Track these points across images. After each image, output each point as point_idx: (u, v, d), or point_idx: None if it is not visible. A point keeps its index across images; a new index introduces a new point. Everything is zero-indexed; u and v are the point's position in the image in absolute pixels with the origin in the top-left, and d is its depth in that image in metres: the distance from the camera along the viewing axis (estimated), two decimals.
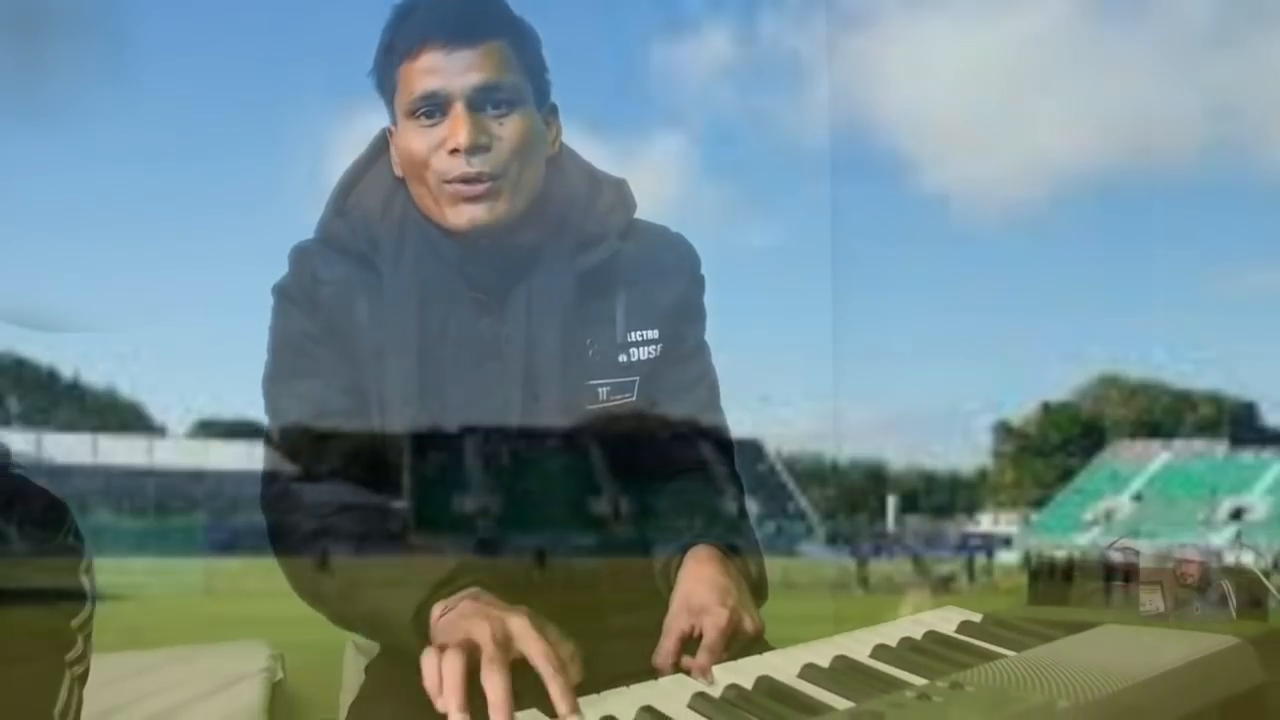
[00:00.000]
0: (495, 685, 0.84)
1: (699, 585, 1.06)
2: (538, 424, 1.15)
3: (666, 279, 1.24)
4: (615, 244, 1.20)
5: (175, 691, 1.57)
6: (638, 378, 1.20)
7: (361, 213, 1.20)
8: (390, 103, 1.18)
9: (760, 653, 1.00)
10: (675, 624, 1.03)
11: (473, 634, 0.89)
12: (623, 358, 1.19)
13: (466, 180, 1.12)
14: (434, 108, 1.13)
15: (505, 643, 0.89)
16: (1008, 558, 48.53)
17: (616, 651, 1.00)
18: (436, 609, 0.98)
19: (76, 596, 1.03)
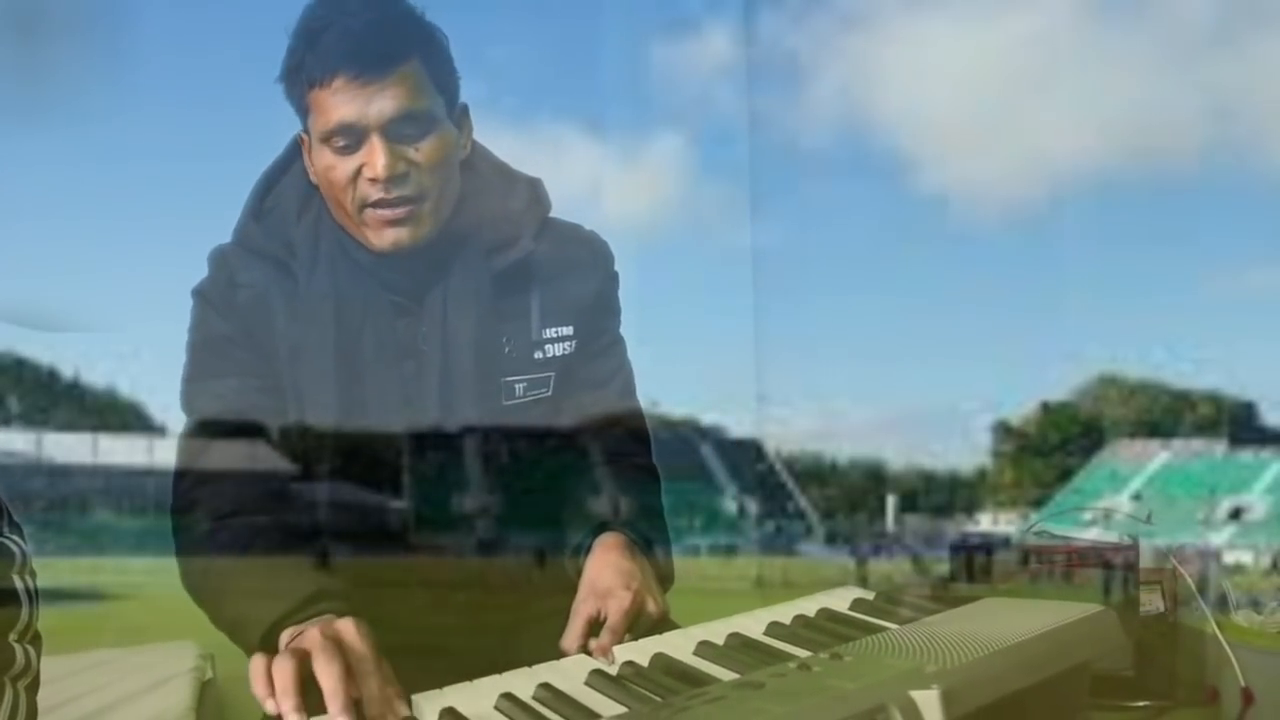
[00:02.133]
0: (327, 674, 0.86)
1: (604, 570, 1.09)
2: (454, 421, 1.18)
3: (580, 276, 1.26)
4: (529, 244, 1.23)
5: (103, 693, 1.56)
6: (553, 373, 1.22)
7: (278, 216, 1.22)
8: (302, 117, 1.19)
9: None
10: (582, 608, 1.06)
11: (303, 642, 0.91)
12: (538, 354, 1.22)
13: (387, 205, 1.14)
14: (349, 139, 1.14)
15: (335, 640, 0.91)
16: (1007, 557, 48.43)
17: (530, 644, 1.04)
18: (286, 634, 0.99)
19: (11, 603, 0.99)
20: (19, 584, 1.06)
